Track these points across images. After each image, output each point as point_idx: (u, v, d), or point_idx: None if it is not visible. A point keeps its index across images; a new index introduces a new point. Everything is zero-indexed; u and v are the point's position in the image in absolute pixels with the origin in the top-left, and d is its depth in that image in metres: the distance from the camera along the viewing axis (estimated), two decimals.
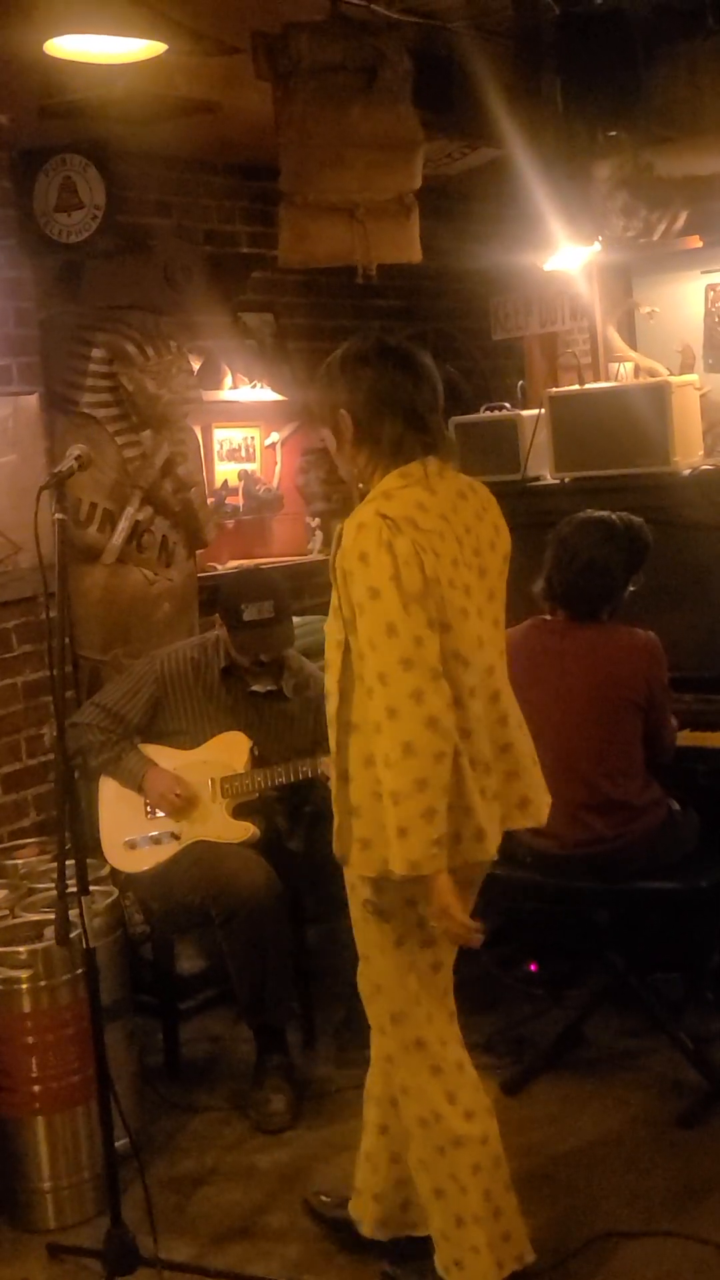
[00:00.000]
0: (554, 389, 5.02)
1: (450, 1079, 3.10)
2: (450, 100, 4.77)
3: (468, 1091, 3.11)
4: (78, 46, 3.82)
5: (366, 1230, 3.35)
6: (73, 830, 3.28)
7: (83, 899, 3.24)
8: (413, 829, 2.80)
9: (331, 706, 3.01)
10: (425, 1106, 3.09)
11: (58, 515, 3.19)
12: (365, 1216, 3.35)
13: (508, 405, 5.10)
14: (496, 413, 5.03)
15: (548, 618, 4.04)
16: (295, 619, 4.46)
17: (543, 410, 4.85)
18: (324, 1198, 3.58)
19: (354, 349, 3.05)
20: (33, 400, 4.98)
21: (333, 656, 3.00)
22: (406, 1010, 3.10)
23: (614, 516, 3.99)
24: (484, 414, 5.07)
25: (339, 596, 2.93)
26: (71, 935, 3.34)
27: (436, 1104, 3.08)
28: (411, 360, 3.03)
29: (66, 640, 4.98)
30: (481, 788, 2.96)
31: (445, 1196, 3.09)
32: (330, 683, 3.01)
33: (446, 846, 2.84)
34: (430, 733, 2.79)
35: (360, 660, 2.87)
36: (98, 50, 3.88)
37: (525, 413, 4.94)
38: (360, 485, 3.09)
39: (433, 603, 2.84)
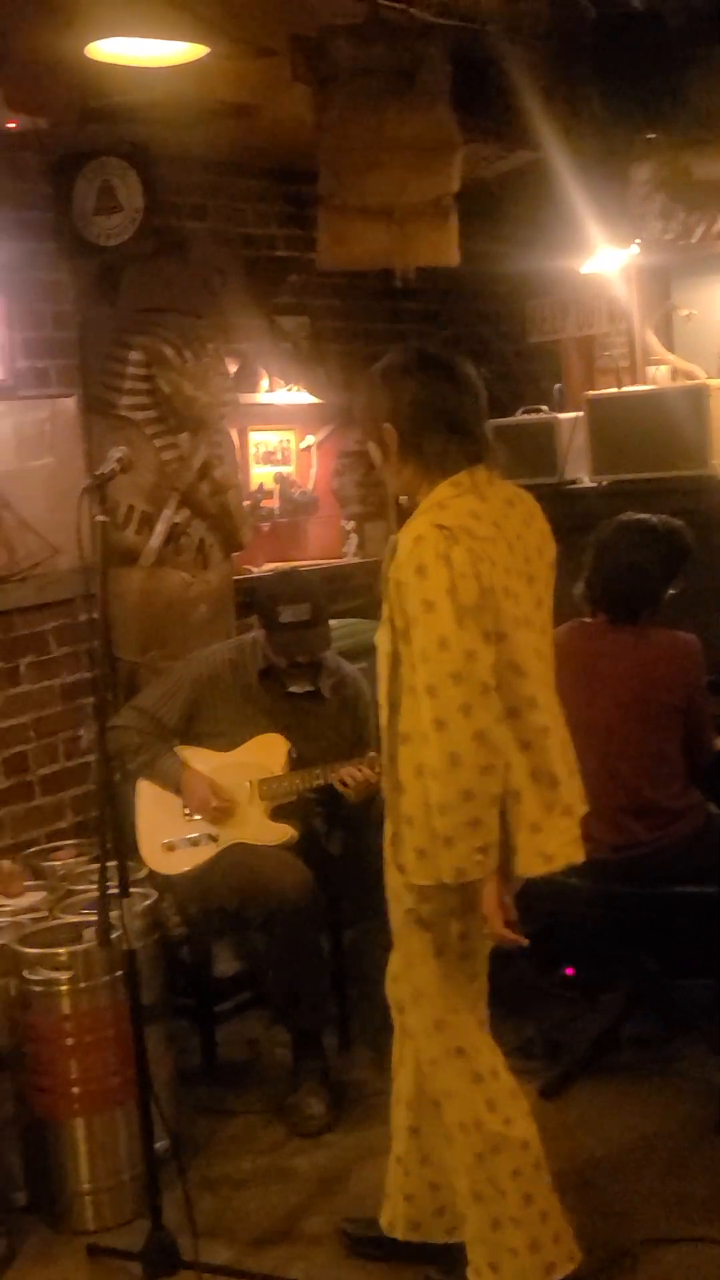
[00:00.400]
0: (592, 392, 5.01)
1: (489, 1086, 3.10)
2: (487, 103, 4.77)
3: (505, 1098, 3.11)
4: (119, 50, 3.83)
5: (400, 1233, 3.34)
6: (113, 832, 3.29)
7: (123, 900, 3.25)
8: (459, 838, 2.81)
9: (383, 718, 3.00)
10: (466, 1112, 3.09)
11: (100, 517, 3.19)
12: (398, 1219, 3.34)
13: (544, 408, 5.08)
14: (534, 416, 5.01)
15: (588, 620, 4.03)
16: (332, 622, 4.45)
17: (581, 413, 4.83)
18: (353, 1222, 3.54)
19: (395, 360, 3.05)
20: (71, 403, 4.99)
21: (383, 669, 2.99)
22: (447, 1019, 3.10)
23: (655, 519, 3.98)
24: (521, 417, 5.07)
25: (390, 608, 2.91)
26: (112, 937, 3.34)
27: (477, 1111, 3.08)
28: (453, 369, 3.02)
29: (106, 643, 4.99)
30: (548, 801, 2.94)
31: (483, 1200, 3.09)
32: (381, 694, 3.01)
33: (494, 852, 2.84)
34: (477, 746, 2.78)
35: (412, 671, 2.86)
36: (139, 54, 3.90)
37: (563, 416, 4.94)
38: (403, 498, 3.08)
39: (489, 614, 2.83)
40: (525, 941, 2.96)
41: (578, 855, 2.99)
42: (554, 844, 2.94)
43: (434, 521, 2.86)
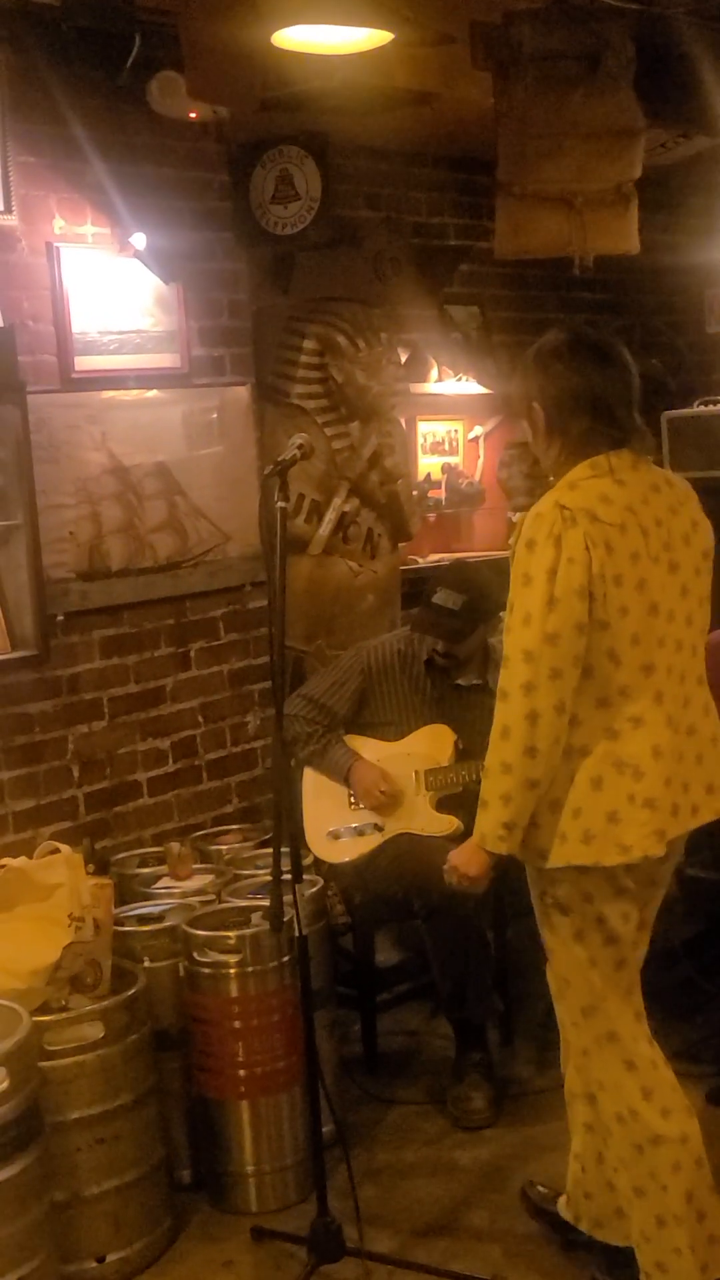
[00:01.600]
0: None
1: (645, 1075, 3.05)
2: (667, 88, 4.68)
3: (664, 1089, 3.06)
4: (304, 37, 3.83)
5: (585, 1226, 3.31)
6: (284, 818, 3.30)
7: (296, 886, 3.26)
8: (491, 805, 2.92)
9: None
10: (621, 1102, 3.05)
11: (280, 504, 3.20)
12: (581, 1214, 3.32)
13: None
14: (712, 407, 4.92)
15: None
16: None
17: None
18: (541, 1188, 3.55)
19: (549, 342, 3.06)
20: (244, 391, 5.02)
21: None
22: (595, 1004, 3.06)
23: None
24: (699, 409, 4.97)
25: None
26: (284, 922, 3.35)
27: (632, 1100, 3.03)
28: (606, 353, 3.03)
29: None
30: (630, 792, 2.91)
31: (645, 1195, 3.04)
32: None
33: (518, 834, 2.92)
34: (528, 726, 2.84)
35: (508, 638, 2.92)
36: (322, 41, 3.90)
37: None
38: (551, 477, 3.09)
39: (595, 602, 2.84)
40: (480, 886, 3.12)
41: (656, 849, 2.93)
42: (632, 835, 2.91)
43: (558, 500, 2.90)
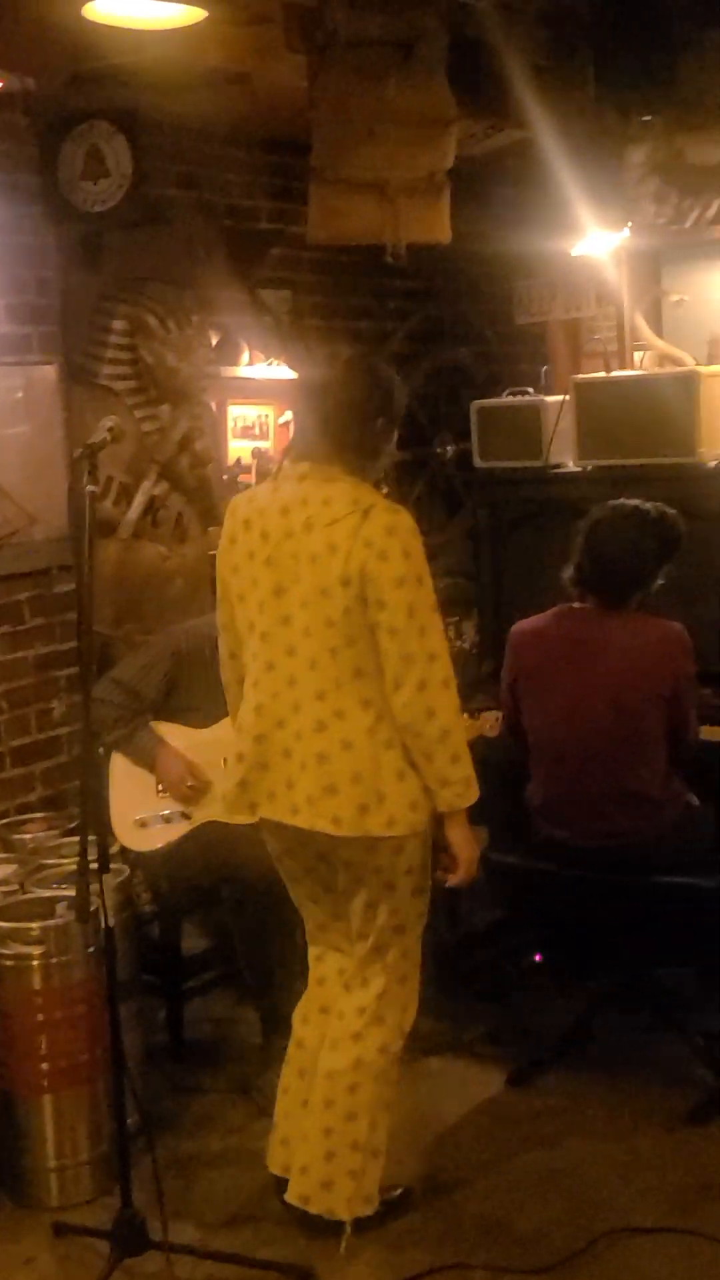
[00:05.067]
0: (580, 375, 4.96)
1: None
2: (479, 80, 4.72)
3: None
4: (114, 10, 3.76)
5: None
6: (92, 806, 3.25)
7: (103, 876, 3.20)
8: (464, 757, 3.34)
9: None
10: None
11: (90, 487, 3.14)
12: None
13: (530, 391, 5.03)
14: (520, 398, 4.97)
15: (576, 606, 4.00)
16: None
17: (567, 397, 4.79)
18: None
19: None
20: (51, 371, 4.91)
21: None
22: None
23: (648, 505, 3.94)
24: (507, 399, 5.01)
25: None
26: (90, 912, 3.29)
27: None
28: (306, 380, 3.49)
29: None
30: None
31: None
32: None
33: None
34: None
35: None
36: (133, 15, 3.83)
37: (549, 399, 4.88)
38: None
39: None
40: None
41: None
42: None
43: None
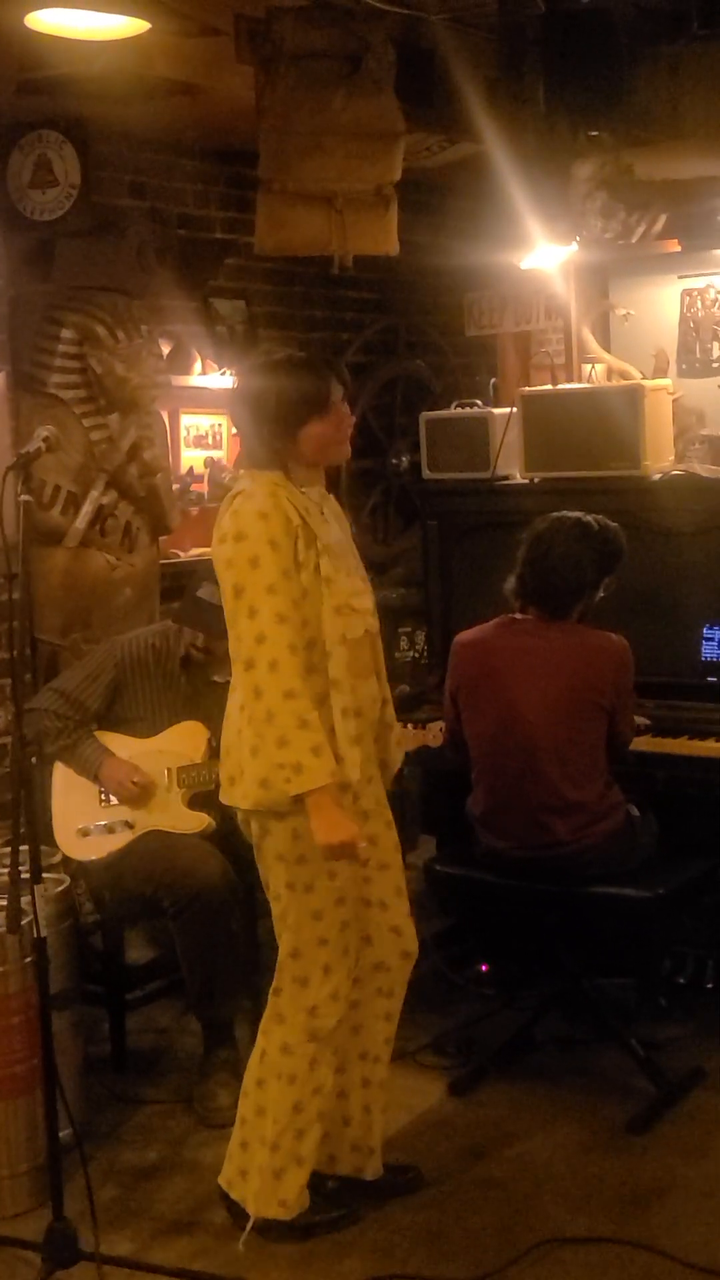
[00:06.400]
0: (526, 388, 4.99)
1: None
2: (430, 93, 4.74)
3: None
4: (60, 21, 3.77)
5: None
6: (26, 817, 3.23)
7: (35, 887, 3.20)
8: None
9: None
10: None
11: (23, 497, 3.14)
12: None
13: (479, 403, 5.06)
14: (467, 410, 4.99)
15: (518, 616, 4.01)
16: None
17: (514, 409, 4.81)
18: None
19: None
20: None
21: None
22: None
23: (590, 518, 3.97)
24: (455, 410, 5.04)
25: None
26: (22, 924, 3.29)
27: None
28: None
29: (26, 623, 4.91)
30: None
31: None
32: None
33: None
34: None
35: None
36: (80, 25, 3.84)
37: (497, 411, 4.90)
38: None
39: None
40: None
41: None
42: None
43: None
